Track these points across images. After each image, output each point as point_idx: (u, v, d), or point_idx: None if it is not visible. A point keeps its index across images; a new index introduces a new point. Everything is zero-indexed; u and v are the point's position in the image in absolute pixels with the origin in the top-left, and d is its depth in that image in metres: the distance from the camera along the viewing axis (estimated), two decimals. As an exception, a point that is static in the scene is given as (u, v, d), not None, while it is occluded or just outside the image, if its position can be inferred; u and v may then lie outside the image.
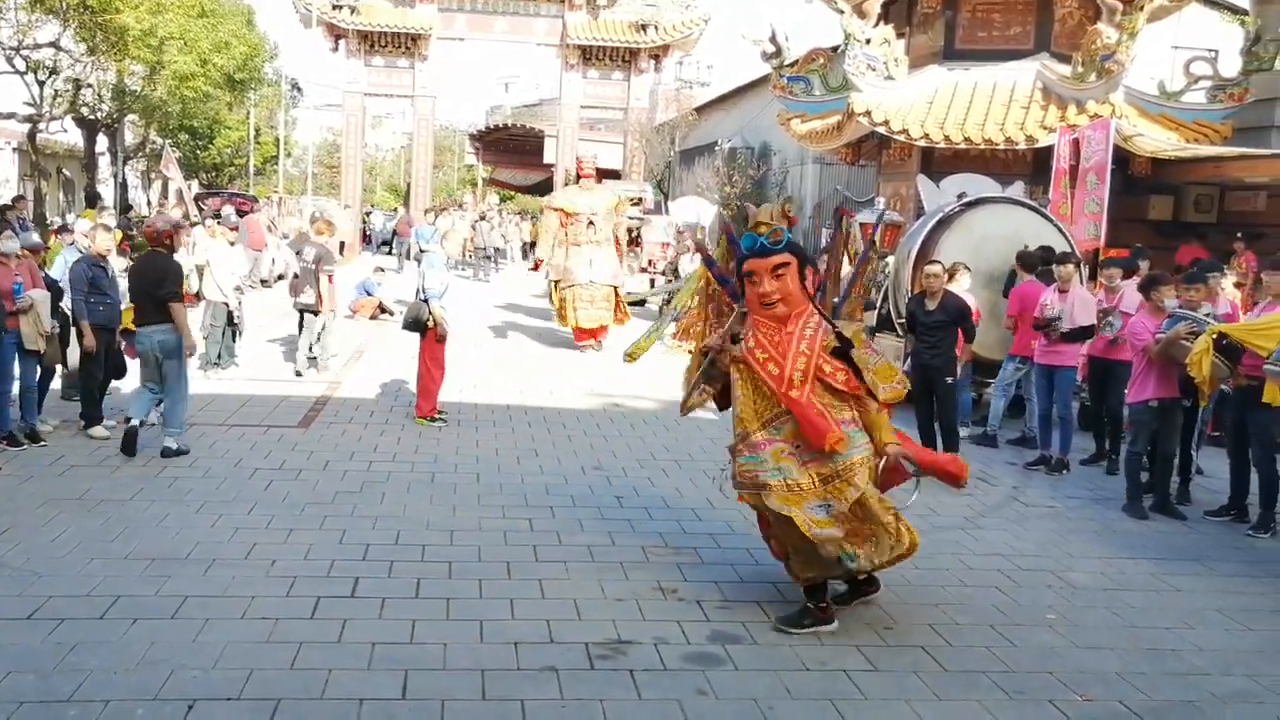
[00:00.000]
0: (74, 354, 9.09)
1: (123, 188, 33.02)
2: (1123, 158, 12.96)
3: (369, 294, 18.04)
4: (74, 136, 32.77)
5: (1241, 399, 7.74)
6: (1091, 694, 4.84)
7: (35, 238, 8.61)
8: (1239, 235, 12.86)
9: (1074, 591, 6.23)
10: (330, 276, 12.24)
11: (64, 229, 14.58)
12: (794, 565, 5.49)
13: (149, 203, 28.26)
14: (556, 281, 15.53)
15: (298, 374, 12.13)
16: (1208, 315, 8.65)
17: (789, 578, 5.62)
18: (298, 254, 13.07)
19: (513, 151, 47.09)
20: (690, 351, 6.24)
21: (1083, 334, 9.08)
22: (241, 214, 18.87)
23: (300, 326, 12.37)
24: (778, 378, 5.34)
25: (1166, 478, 8.11)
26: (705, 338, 6.06)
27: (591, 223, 15.27)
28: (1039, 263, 10.08)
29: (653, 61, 32.60)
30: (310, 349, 12.28)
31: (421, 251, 10.81)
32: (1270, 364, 6.92)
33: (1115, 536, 7.41)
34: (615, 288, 15.37)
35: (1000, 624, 5.65)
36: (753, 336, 5.49)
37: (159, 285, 8.27)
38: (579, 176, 16.01)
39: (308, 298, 12.14)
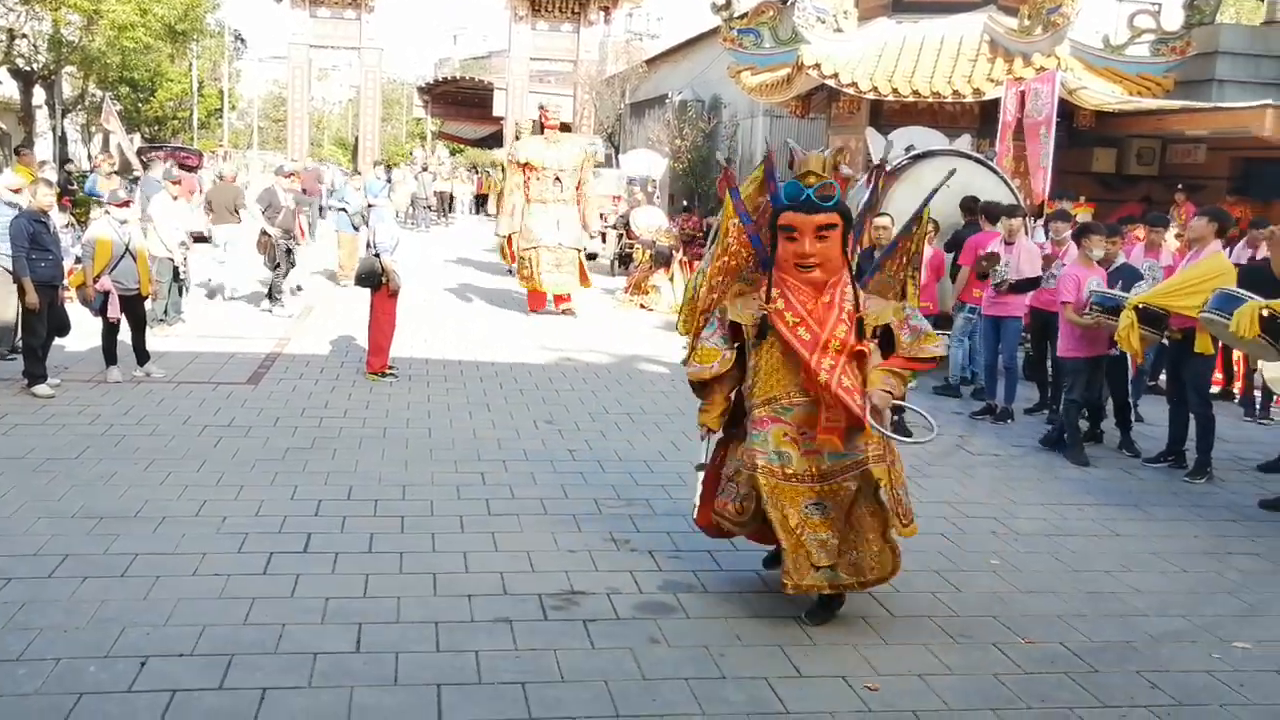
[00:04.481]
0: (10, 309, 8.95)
1: (61, 141, 32.09)
2: (1067, 110, 13.09)
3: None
4: (9, 89, 31.71)
5: (1177, 351, 7.96)
6: (1033, 637, 4.98)
7: None
8: (1179, 187, 13.08)
9: (1017, 538, 6.38)
10: (303, 213, 15.31)
11: None
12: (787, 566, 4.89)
13: (89, 156, 27.46)
14: (510, 236, 14.69)
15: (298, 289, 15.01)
16: (1149, 269, 8.82)
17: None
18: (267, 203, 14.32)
19: (462, 104, 46.49)
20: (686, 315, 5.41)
21: (1029, 285, 9.21)
22: (186, 169, 18.47)
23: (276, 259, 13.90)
24: (810, 344, 4.76)
25: (1084, 421, 8.46)
26: (713, 300, 5.23)
27: (558, 179, 14.33)
28: (1003, 213, 10.35)
29: (602, 13, 32.29)
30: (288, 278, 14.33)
31: (369, 207, 10.67)
32: (1203, 313, 7.04)
33: (1057, 484, 7.59)
34: (580, 251, 14.50)
35: (945, 570, 5.77)
36: (781, 297, 4.89)
37: (236, 199, 14.18)
38: (543, 128, 14.70)
39: (287, 223, 14.38)
